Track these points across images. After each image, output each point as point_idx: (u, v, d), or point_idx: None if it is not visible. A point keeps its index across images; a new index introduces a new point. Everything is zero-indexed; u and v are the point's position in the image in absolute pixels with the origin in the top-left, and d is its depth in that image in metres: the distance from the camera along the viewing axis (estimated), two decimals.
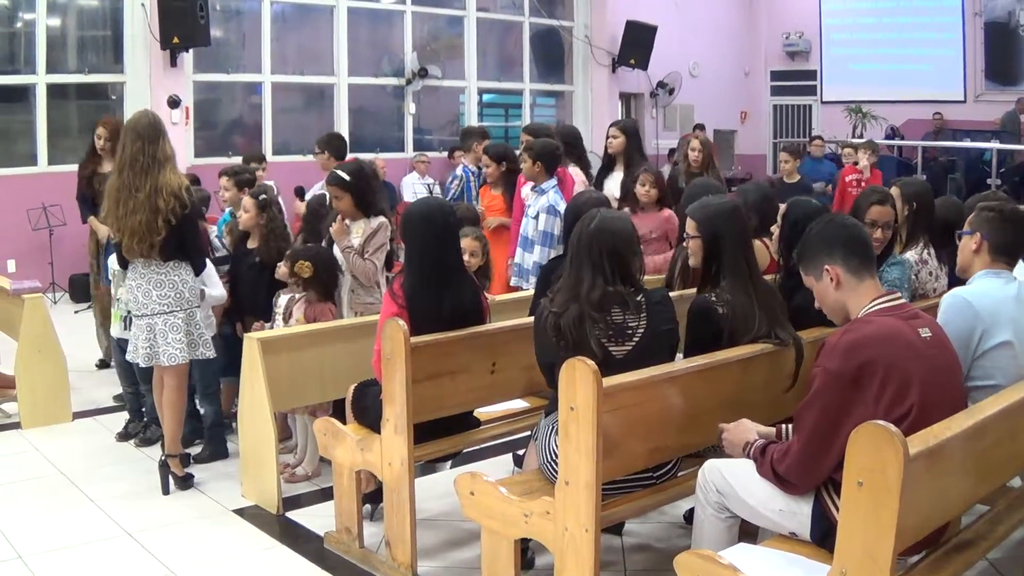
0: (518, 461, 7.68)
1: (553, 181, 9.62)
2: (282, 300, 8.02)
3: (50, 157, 15.81)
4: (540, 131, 10.89)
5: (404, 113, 20.45)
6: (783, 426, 5.14)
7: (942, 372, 4.63)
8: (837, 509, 4.17)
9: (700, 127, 22.12)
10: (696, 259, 6.05)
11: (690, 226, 6.04)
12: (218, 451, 8.36)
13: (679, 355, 5.73)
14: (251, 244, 8.53)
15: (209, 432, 8.43)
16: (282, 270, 7.84)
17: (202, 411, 8.61)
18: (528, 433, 6.56)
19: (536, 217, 9.50)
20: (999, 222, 5.67)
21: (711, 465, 5.04)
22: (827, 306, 4.92)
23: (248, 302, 8.48)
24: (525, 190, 10.50)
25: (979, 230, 5.67)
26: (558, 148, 9.99)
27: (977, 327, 5.34)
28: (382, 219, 7.82)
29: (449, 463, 7.31)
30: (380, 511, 6.65)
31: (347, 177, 7.73)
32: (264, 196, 8.58)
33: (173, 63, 16.49)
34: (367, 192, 7.82)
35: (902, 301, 4.78)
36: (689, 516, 6.66)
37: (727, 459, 5.12)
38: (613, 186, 10.68)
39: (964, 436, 4.25)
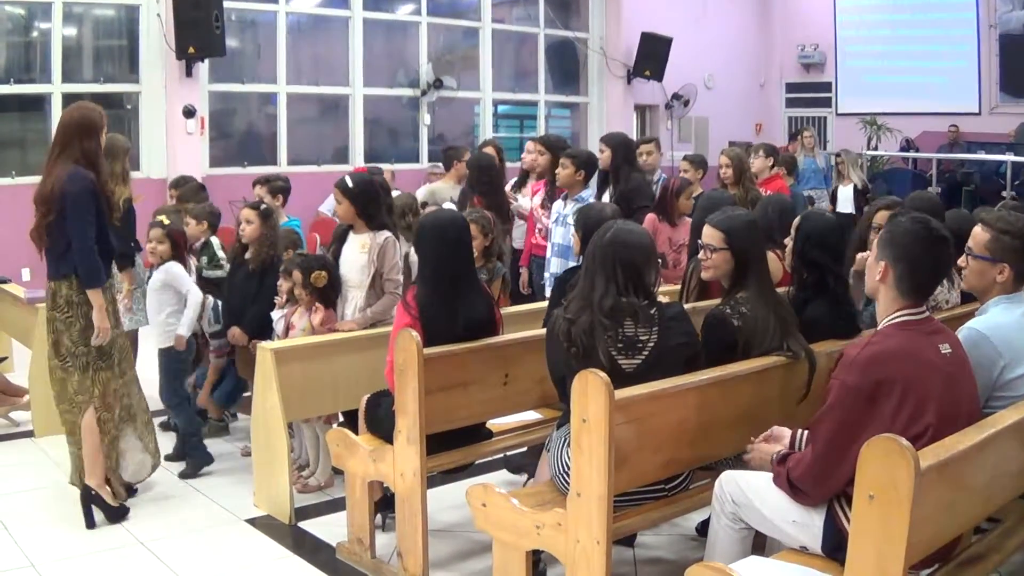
0: (511, 468, 7.71)
1: (590, 190, 9.61)
2: (275, 315, 8.08)
3: None
4: (555, 143, 10.88)
5: (419, 124, 20.44)
6: (799, 431, 5.14)
7: (960, 390, 4.62)
8: (849, 522, 4.16)
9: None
10: (718, 272, 6.02)
11: (715, 238, 5.98)
12: (201, 461, 8.29)
13: None
14: (248, 255, 8.52)
15: (185, 444, 8.37)
16: (286, 286, 7.87)
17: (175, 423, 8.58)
18: (539, 445, 6.57)
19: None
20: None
21: (728, 476, 5.05)
22: (866, 276, 4.90)
23: (238, 312, 8.46)
24: (537, 199, 10.51)
25: (1004, 260, 5.48)
26: (597, 161, 10.04)
27: (998, 361, 5.20)
28: (387, 234, 7.82)
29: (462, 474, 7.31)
30: (391, 521, 6.66)
31: (350, 184, 7.77)
32: (265, 206, 8.60)
33: (188, 73, 16.50)
34: (370, 204, 7.83)
35: (926, 315, 4.74)
36: (701, 528, 6.66)
37: (744, 470, 5.13)
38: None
39: (975, 450, 4.25)
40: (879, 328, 4.67)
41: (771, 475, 4.94)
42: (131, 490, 7.58)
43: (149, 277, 8.57)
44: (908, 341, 4.52)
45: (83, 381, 7.13)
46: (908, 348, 4.48)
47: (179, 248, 8.33)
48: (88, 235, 6.99)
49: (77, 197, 6.90)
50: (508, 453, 7.38)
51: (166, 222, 8.31)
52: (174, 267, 8.19)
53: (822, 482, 4.61)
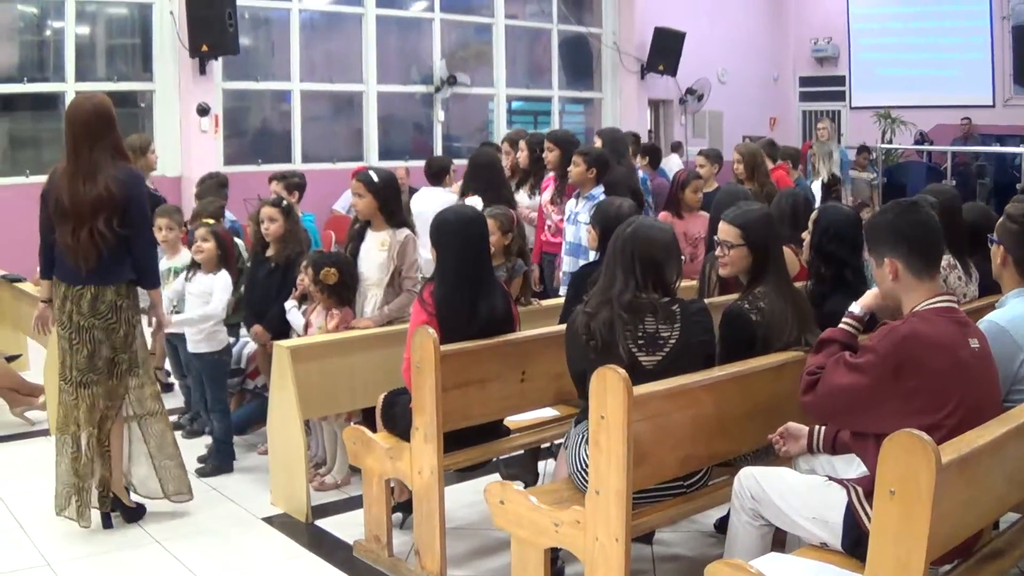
0: (505, 475, 7.64)
1: (602, 188, 9.56)
2: (295, 317, 8.05)
3: None
4: (564, 138, 10.82)
5: (433, 121, 20.45)
6: (816, 427, 5.14)
7: (984, 386, 4.62)
8: (868, 518, 4.16)
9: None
10: (736, 268, 5.99)
11: (731, 235, 5.96)
12: (222, 466, 8.24)
13: None
14: (269, 252, 8.47)
15: (216, 446, 8.31)
16: (305, 282, 7.83)
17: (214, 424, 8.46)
18: (557, 442, 6.57)
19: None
20: (1021, 237, 5.49)
21: (747, 472, 5.03)
22: (882, 292, 4.91)
23: (259, 308, 8.42)
24: (547, 195, 10.48)
25: (1002, 242, 5.51)
26: (610, 158, 9.99)
27: (1017, 354, 5.16)
28: (407, 232, 7.79)
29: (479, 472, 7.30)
30: (410, 520, 6.64)
31: (375, 179, 7.74)
32: (286, 202, 8.58)
33: (202, 71, 16.54)
34: (391, 200, 7.82)
35: (955, 305, 4.75)
36: (719, 525, 6.64)
37: (763, 466, 5.12)
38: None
39: (996, 444, 4.23)
40: (917, 310, 4.65)
41: (791, 472, 4.96)
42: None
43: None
44: (947, 332, 4.52)
45: (117, 388, 6.96)
46: (945, 340, 4.49)
47: (227, 251, 8.37)
48: (152, 237, 6.97)
49: (142, 200, 6.82)
50: (502, 457, 7.34)
51: (211, 223, 8.34)
52: (223, 278, 8.24)
53: (818, 419, 4.97)
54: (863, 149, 20.13)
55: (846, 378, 4.60)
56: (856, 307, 5.10)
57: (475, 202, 9.44)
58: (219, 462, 8.23)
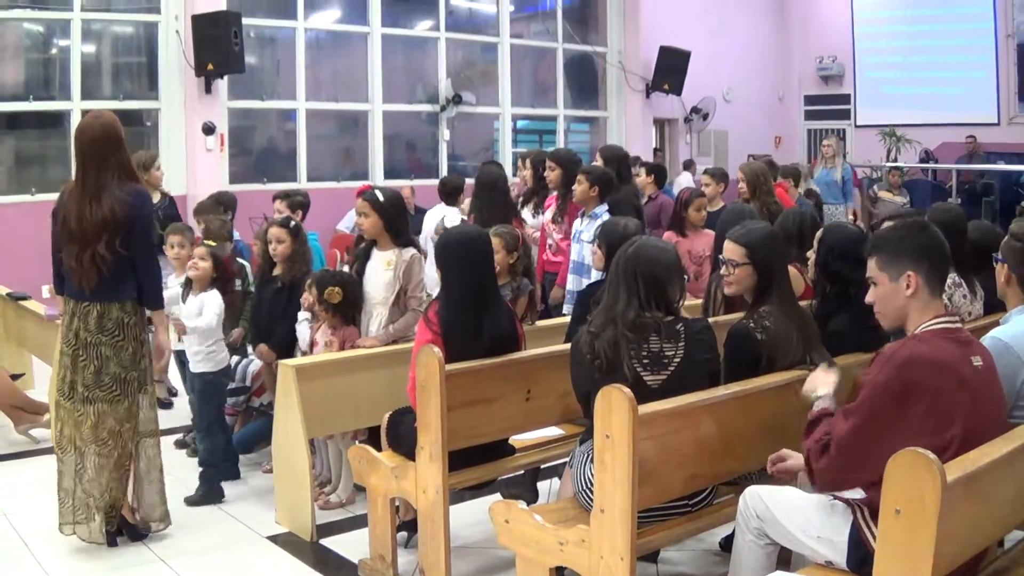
0: (506, 495, 7.61)
1: (605, 206, 9.56)
2: (303, 332, 8.04)
3: None
4: (566, 158, 10.82)
5: (438, 140, 20.45)
6: None
7: (989, 403, 4.59)
8: (874, 537, 4.15)
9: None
10: (741, 287, 6.00)
11: (736, 253, 5.96)
12: (210, 495, 7.98)
13: None
14: (276, 271, 8.47)
15: (202, 471, 8.07)
16: (309, 300, 7.83)
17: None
18: (562, 461, 6.56)
19: (593, 242, 9.47)
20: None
21: (752, 491, 5.02)
22: (887, 307, 4.79)
23: (266, 327, 8.44)
24: (548, 214, 10.49)
25: (1007, 260, 5.49)
26: (613, 177, 9.99)
27: (1020, 371, 5.14)
28: (413, 251, 7.78)
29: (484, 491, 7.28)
30: (415, 539, 6.63)
31: (381, 198, 7.72)
32: (293, 223, 8.58)
33: (208, 90, 16.52)
34: (397, 219, 7.79)
35: (959, 325, 4.72)
36: (724, 543, 6.63)
37: (768, 485, 5.10)
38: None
39: (1001, 463, 4.21)
40: (916, 332, 4.63)
41: (796, 490, 4.94)
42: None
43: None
44: (944, 352, 4.48)
45: (131, 407, 6.92)
46: (942, 359, 4.45)
47: (223, 273, 8.34)
48: (156, 257, 6.95)
49: (146, 221, 6.83)
50: (503, 477, 7.32)
51: (212, 244, 8.33)
52: (213, 295, 8.15)
53: (838, 480, 4.64)
54: (895, 170, 20.23)
55: (848, 423, 4.55)
56: (826, 402, 5.00)
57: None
58: (205, 490, 7.99)
